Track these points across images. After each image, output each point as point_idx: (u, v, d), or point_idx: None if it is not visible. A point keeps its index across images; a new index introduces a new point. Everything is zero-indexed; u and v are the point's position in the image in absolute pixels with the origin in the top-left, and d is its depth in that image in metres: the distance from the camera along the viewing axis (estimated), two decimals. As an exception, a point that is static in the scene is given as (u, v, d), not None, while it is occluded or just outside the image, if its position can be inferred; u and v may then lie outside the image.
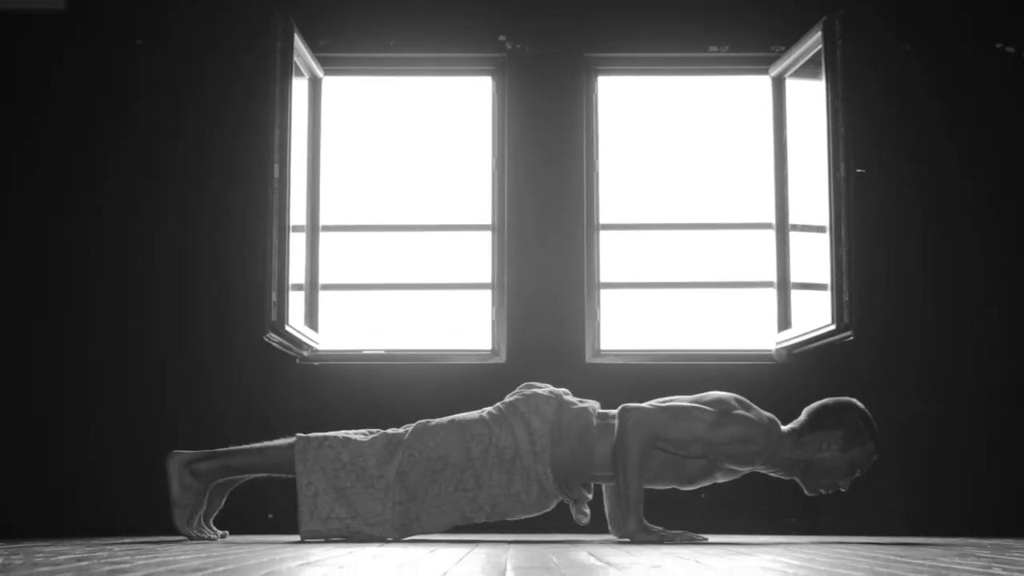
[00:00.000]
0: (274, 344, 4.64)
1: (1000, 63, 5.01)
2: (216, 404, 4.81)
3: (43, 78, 4.98)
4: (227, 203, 4.92)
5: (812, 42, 4.74)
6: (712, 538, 3.78)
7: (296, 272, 4.72)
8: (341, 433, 3.56)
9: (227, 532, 3.66)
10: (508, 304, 4.94)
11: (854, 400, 3.64)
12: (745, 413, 3.52)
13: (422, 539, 3.79)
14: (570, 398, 3.63)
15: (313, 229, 4.99)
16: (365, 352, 5.03)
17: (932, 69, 5.02)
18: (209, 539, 3.50)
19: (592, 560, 2.49)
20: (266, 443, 3.57)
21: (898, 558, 2.53)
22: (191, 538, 3.46)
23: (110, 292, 4.89)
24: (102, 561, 2.29)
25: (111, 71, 4.99)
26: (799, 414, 4.80)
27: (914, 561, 2.41)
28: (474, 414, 3.61)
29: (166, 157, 4.97)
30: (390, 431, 3.56)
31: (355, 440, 3.51)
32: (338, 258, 5.16)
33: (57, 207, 4.93)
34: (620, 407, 3.52)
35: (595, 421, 3.57)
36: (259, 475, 3.61)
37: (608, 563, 2.36)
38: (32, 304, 4.88)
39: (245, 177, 4.87)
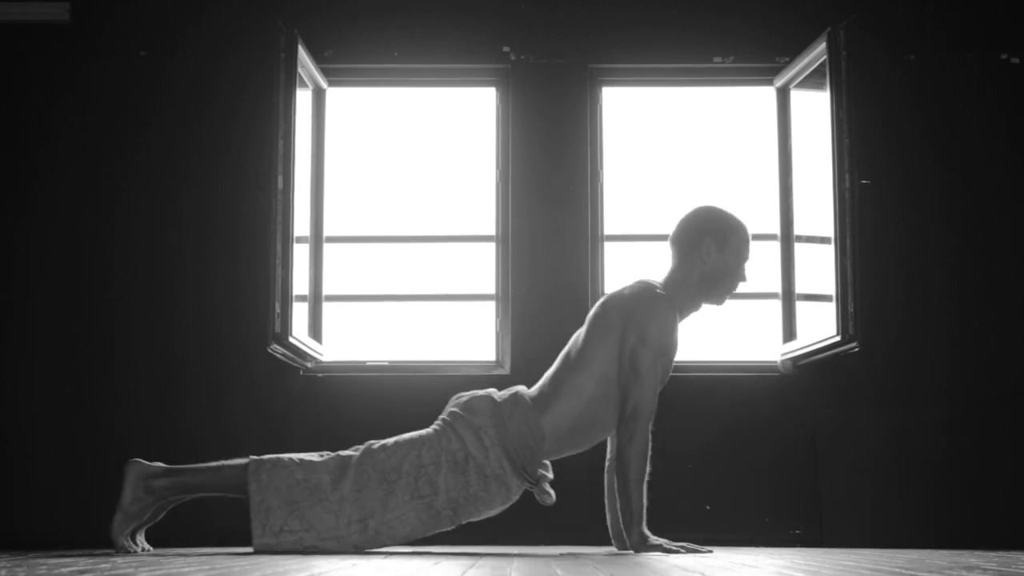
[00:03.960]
0: (278, 355, 4.64)
1: (1005, 73, 5.01)
2: (220, 415, 4.81)
3: (47, 89, 5.00)
4: (231, 214, 4.93)
5: (816, 53, 4.74)
6: (716, 550, 3.77)
7: (300, 283, 4.72)
8: (296, 455, 3.54)
9: (150, 548, 3.61)
10: (512, 315, 4.94)
11: (699, 205, 3.67)
12: (648, 312, 3.50)
13: (426, 551, 3.78)
14: (498, 392, 3.64)
15: (317, 240, 5.00)
16: (369, 364, 5.03)
17: (937, 80, 5.02)
18: (136, 552, 3.46)
19: (598, 573, 2.48)
20: (222, 462, 3.54)
21: (903, 569, 2.52)
22: (120, 548, 3.42)
23: (110, 303, 4.89)
24: (105, 573, 2.29)
25: (115, 83, 5.00)
26: (804, 426, 4.81)
27: (919, 573, 2.40)
28: (419, 432, 3.61)
29: (169, 168, 4.97)
30: (343, 453, 3.56)
31: (309, 460, 3.51)
32: (342, 269, 5.17)
33: (59, 218, 4.94)
34: (620, 423, 3.49)
35: (530, 401, 3.56)
36: (212, 495, 3.56)
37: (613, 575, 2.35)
38: (29, 311, 4.89)
39: (248, 188, 4.88)
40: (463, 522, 3.54)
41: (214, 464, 3.53)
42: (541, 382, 3.67)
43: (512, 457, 3.49)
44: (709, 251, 3.60)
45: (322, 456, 3.57)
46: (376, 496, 3.45)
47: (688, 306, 3.66)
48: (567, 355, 3.65)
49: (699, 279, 3.62)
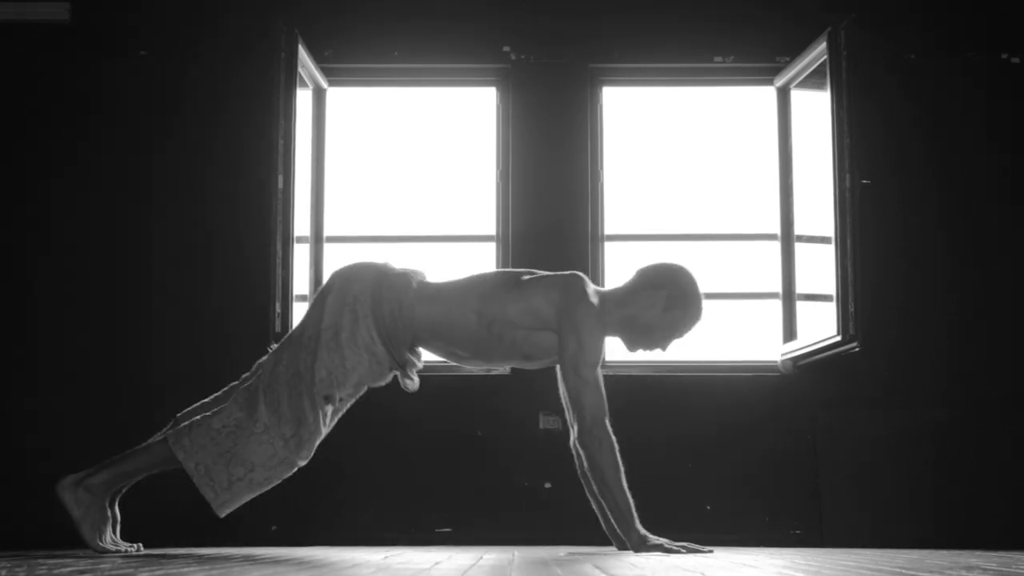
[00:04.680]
0: (278, 355, 4.63)
1: (1005, 73, 5.01)
2: (220, 415, 4.80)
3: (46, 89, 4.99)
4: (231, 214, 4.93)
5: (817, 53, 4.74)
6: (716, 550, 3.77)
7: (300, 283, 4.72)
8: (203, 414, 3.57)
9: (141, 544, 3.63)
10: (512, 315, 4.93)
11: (684, 266, 3.65)
12: (580, 321, 3.49)
13: (425, 553, 3.78)
14: (393, 266, 3.65)
15: (317, 240, 5.00)
16: (369, 363, 5.02)
17: (937, 80, 5.02)
18: (126, 552, 3.47)
19: (598, 573, 2.48)
20: (146, 443, 3.57)
21: (903, 569, 2.52)
22: (108, 552, 3.43)
23: (110, 303, 4.89)
24: (106, 573, 2.29)
25: (115, 83, 5.00)
26: (804, 426, 4.81)
27: (919, 573, 2.40)
28: (299, 323, 3.63)
29: (169, 168, 4.97)
30: (243, 386, 3.57)
31: (219, 408, 3.52)
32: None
33: (57, 218, 4.94)
34: (576, 434, 3.49)
35: (415, 285, 3.58)
36: (153, 472, 3.57)
37: (613, 576, 2.35)
38: (28, 311, 4.89)
39: (248, 188, 4.87)
40: (344, 395, 3.54)
41: (141, 447, 3.56)
42: (445, 279, 3.68)
43: (380, 331, 3.51)
44: (656, 302, 3.57)
45: (227, 395, 3.61)
46: (293, 406, 3.47)
47: (607, 327, 3.64)
48: (479, 279, 3.64)
49: (627, 315, 3.59)
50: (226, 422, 3.47)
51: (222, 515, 3.48)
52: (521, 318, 3.54)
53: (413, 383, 3.65)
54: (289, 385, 3.49)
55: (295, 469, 3.51)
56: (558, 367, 3.54)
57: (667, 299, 3.57)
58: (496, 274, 3.69)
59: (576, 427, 3.50)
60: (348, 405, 3.64)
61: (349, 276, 3.59)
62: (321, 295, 3.58)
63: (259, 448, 3.44)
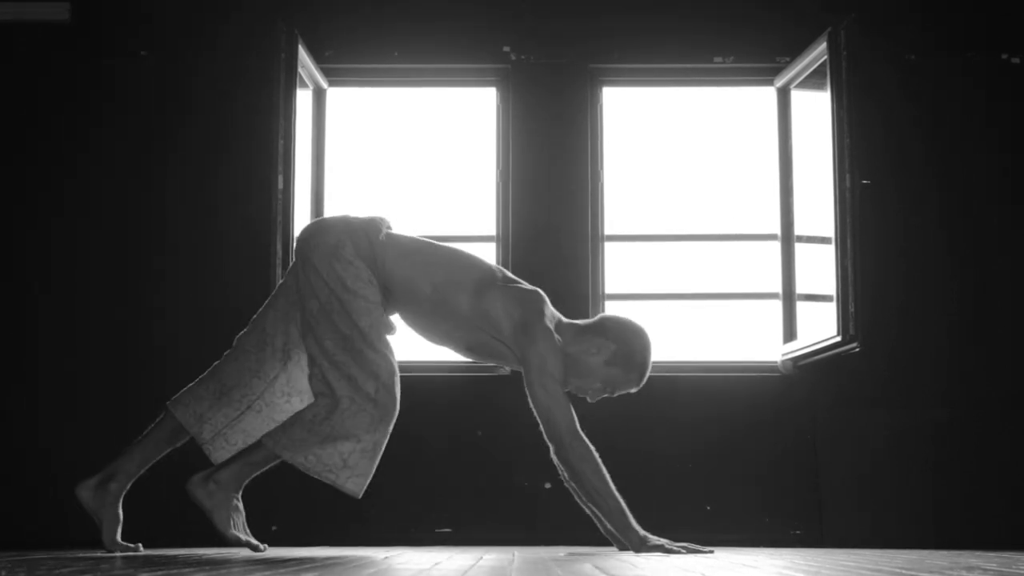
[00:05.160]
0: (278, 355, 4.63)
1: (1005, 73, 5.01)
2: (220, 415, 4.80)
3: (46, 89, 5.00)
4: (231, 214, 4.93)
5: (817, 53, 4.74)
6: (716, 550, 3.77)
7: (300, 283, 4.71)
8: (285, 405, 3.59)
9: (141, 544, 3.62)
10: (512, 315, 4.93)
11: (645, 330, 3.62)
12: (539, 338, 3.48)
13: (425, 553, 3.78)
14: (355, 215, 3.66)
15: (317, 240, 4.99)
16: (369, 363, 5.02)
17: (937, 80, 5.02)
18: (136, 551, 3.46)
19: (598, 573, 2.48)
20: (252, 445, 3.53)
21: (902, 570, 2.52)
22: (239, 543, 3.43)
23: (109, 304, 4.89)
24: (105, 574, 2.29)
25: (115, 83, 5.00)
26: (804, 426, 4.81)
27: (919, 573, 2.40)
28: (274, 299, 3.64)
29: (169, 168, 4.97)
30: (305, 388, 3.58)
31: (300, 410, 3.50)
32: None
33: (56, 218, 4.94)
34: (554, 449, 3.49)
35: (382, 237, 3.57)
36: (268, 467, 3.54)
37: (613, 576, 2.35)
38: (28, 311, 4.89)
39: (248, 188, 4.87)
40: (380, 337, 3.51)
41: (259, 440, 3.49)
42: (422, 239, 3.68)
43: (371, 268, 3.51)
44: (602, 352, 3.55)
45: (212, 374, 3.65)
46: (362, 364, 3.43)
47: None
48: (462, 263, 3.62)
49: (572, 352, 3.56)
50: (316, 412, 3.44)
51: (358, 494, 3.44)
52: (472, 314, 3.54)
53: (392, 327, 3.65)
54: (346, 351, 3.44)
55: (395, 418, 3.47)
56: (526, 386, 3.51)
57: (613, 354, 3.55)
58: (480, 267, 3.64)
59: (553, 443, 3.50)
60: None
61: (319, 232, 3.57)
62: (302, 267, 3.54)
63: (354, 420, 3.40)
